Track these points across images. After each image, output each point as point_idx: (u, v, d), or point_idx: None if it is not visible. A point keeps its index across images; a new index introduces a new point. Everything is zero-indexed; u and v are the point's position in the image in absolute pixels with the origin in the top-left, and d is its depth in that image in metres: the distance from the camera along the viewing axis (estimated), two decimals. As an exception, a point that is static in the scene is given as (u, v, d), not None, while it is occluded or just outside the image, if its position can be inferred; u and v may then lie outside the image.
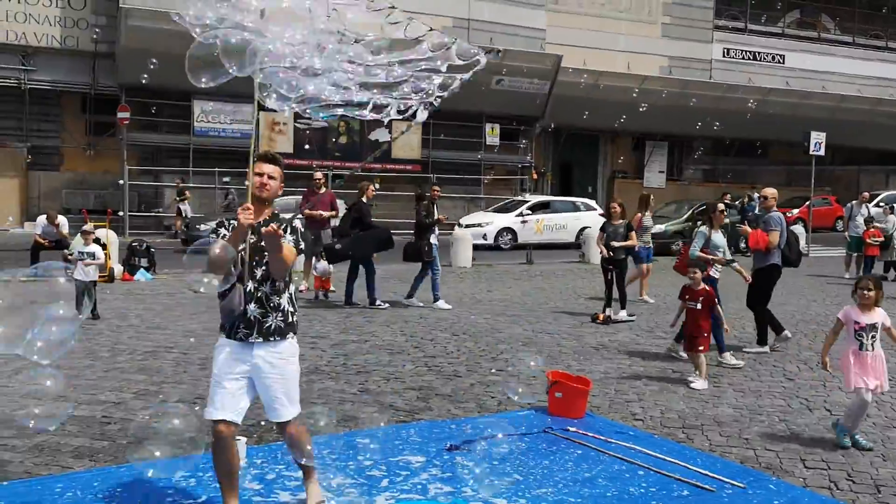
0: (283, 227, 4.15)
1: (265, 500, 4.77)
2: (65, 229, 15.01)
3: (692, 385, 7.67)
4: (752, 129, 32.29)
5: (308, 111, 4.57)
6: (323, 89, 4.41)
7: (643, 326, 11.11)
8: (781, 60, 34.97)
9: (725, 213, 9.47)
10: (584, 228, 24.14)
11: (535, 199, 25.71)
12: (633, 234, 11.86)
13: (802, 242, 21.12)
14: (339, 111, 4.71)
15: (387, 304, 12.25)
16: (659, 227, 19.44)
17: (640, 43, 32.10)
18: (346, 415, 6.60)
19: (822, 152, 23.29)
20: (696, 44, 33.42)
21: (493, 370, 8.29)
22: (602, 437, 6.00)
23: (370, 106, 4.61)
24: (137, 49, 23.27)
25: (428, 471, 5.28)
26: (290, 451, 4.52)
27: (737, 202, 24.53)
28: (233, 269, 4.15)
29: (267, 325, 4.20)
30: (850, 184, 35.34)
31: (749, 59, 34.65)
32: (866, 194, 19.46)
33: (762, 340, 9.48)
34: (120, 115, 24.78)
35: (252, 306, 4.18)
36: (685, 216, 23.99)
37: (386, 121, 4.79)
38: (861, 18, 36.91)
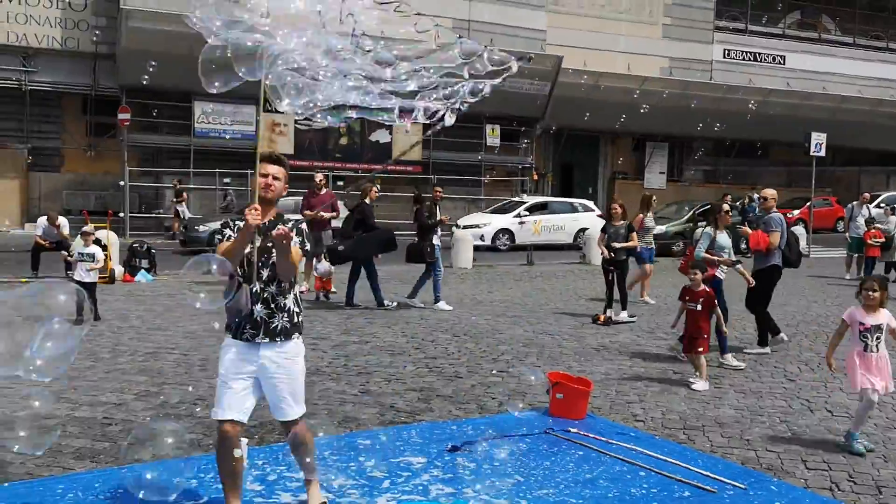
0: (289, 229, 4.17)
1: (266, 501, 4.77)
2: (65, 230, 15.01)
3: (693, 386, 7.67)
4: (752, 129, 32.30)
5: (320, 115, 4.57)
6: (344, 94, 4.41)
7: (644, 327, 11.11)
8: (782, 61, 34.98)
9: (731, 214, 9.46)
10: (582, 229, 24.18)
11: (532, 200, 25.67)
12: (634, 234, 11.86)
13: (803, 243, 21.12)
14: (361, 115, 4.71)
15: (395, 304, 12.26)
16: (660, 229, 19.43)
17: (640, 44, 32.11)
18: (347, 416, 6.60)
19: (822, 153, 23.30)
20: (697, 45, 33.43)
21: (493, 371, 8.29)
22: (603, 439, 6.00)
23: (396, 110, 4.61)
24: (138, 50, 23.31)
25: (429, 472, 5.28)
26: (293, 452, 4.52)
27: (737, 203, 24.53)
28: (237, 269, 4.17)
29: (273, 325, 4.22)
30: (851, 185, 35.35)
31: (749, 59, 34.65)
32: (867, 195, 19.47)
33: (763, 342, 9.49)
34: (120, 116, 24.81)
35: (258, 307, 4.20)
36: (686, 217, 23.99)
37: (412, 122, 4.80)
38: (861, 19, 36.91)
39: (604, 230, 11.99)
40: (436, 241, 12.37)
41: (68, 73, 26.43)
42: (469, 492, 4.97)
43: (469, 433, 6.10)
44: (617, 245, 11.51)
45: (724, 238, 9.10)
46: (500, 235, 23.67)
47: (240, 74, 4.04)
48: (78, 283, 10.61)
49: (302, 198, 13.96)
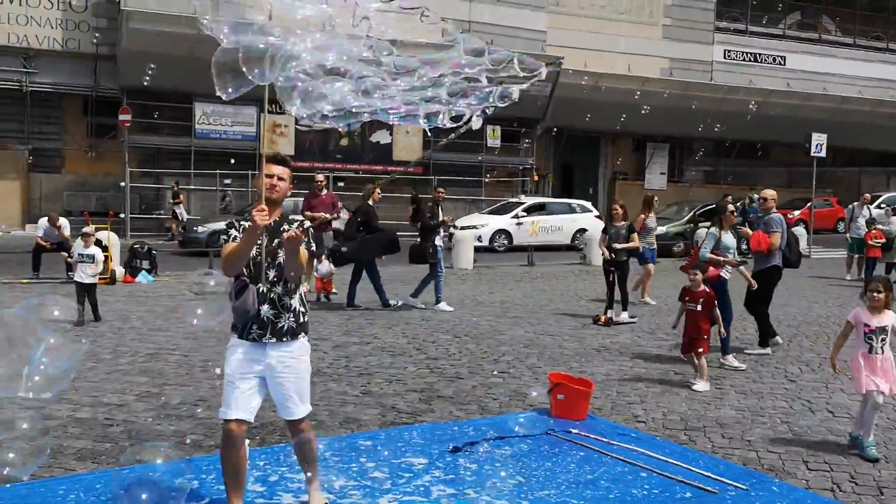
0: (297, 229, 4.22)
1: (268, 502, 4.77)
2: (66, 231, 15.02)
3: (694, 387, 7.67)
4: (753, 130, 32.31)
5: (333, 120, 4.58)
6: (366, 98, 4.43)
7: (645, 328, 11.11)
8: (782, 62, 34.98)
9: (735, 215, 9.44)
10: (579, 230, 24.19)
11: (530, 200, 25.62)
12: (635, 235, 11.86)
13: (804, 244, 21.15)
14: (388, 118, 4.73)
15: (400, 302, 12.27)
16: (661, 229, 19.44)
17: (640, 45, 32.11)
18: (348, 417, 6.61)
19: (823, 154, 23.30)
20: (697, 45, 33.43)
21: (494, 372, 8.29)
22: (604, 439, 6.00)
23: (422, 115, 4.63)
24: (138, 51, 23.35)
25: (431, 473, 5.28)
26: (297, 452, 4.55)
27: (738, 204, 24.51)
28: (244, 270, 4.20)
29: (280, 325, 4.25)
30: (852, 185, 35.35)
31: (750, 60, 34.65)
32: (867, 196, 19.47)
33: (764, 342, 9.49)
34: (121, 117, 24.85)
35: (265, 307, 4.22)
36: (686, 218, 23.99)
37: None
38: (862, 20, 36.91)
39: (604, 231, 11.99)
40: (438, 241, 12.39)
41: (69, 74, 26.46)
42: (470, 493, 4.97)
43: (470, 434, 6.10)
44: (618, 246, 11.52)
45: (729, 238, 9.05)
46: (498, 236, 23.62)
47: (251, 78, 4.03)
48: (78, 284, 10.63)
49: (303, 199, 13.98)
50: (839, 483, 5.36)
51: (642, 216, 13.30)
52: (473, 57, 4.46)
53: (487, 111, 4.76)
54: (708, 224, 21.34)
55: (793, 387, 7.94)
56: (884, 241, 16.98)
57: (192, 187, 26.92)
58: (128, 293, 13.55)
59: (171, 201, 25.04)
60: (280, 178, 4.28)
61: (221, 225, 21.37)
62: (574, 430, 6.21)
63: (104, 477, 5.07)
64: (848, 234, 18.32)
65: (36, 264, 14.92)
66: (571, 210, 25.23)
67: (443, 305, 12.28)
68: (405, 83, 4.48)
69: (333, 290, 13.13)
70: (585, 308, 12.84)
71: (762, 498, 4.99)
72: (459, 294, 13.98)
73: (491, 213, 25.29)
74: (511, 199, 26.47)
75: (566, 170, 34.65)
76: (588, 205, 25.97)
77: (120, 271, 15.05)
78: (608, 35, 31.57)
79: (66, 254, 13.82)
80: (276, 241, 4.23)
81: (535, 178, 31.69)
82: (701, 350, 7.80)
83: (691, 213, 24.06)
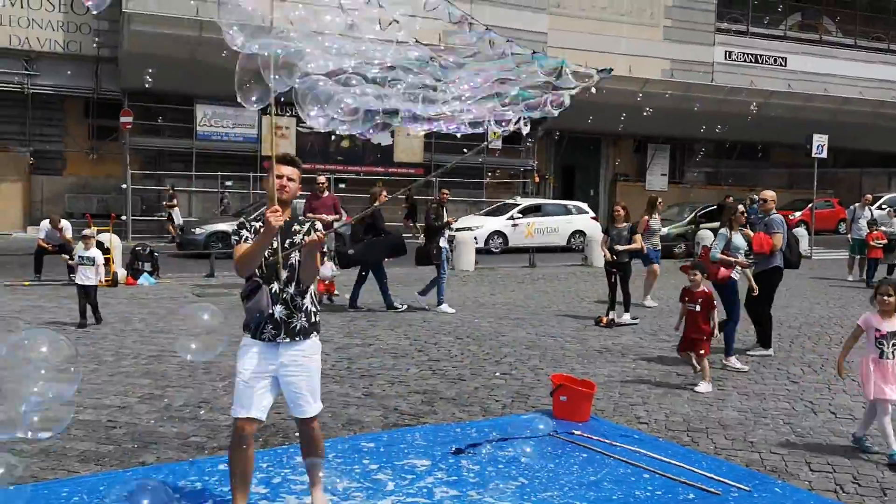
0: (307, 230, 4.31)
1: (271, 504, 4.78)
2: (68, 233, 15.02)
3: (696, 388, 7.67)
4: (753, 131, 32.30)
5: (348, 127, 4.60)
6: (409, 104, 4.45)
7: (647, 329, 11.11)
8: (783, 63, 34.98)
9: (745, 215, 9.40)
10: (575, 231, 24.19)
11: (525, 202, 25.59)
12: (637, 237, 11.86)
13: (805, 245, 21.15)
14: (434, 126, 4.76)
15: (405, 306, 12.28)
16: (662, 230, 19.43)
17: (641, 46, 32.11)
18: (350, 418, 6.61)
19: (824, 155, 23.30)
20: (698, 47, 33.43)
21: (497, 374, 8.29)
22: (607, 441, 6.00)
23: (470, 122, 4.66)
24: (140, 53, 23.37)
25: (433, 474, 5.29)
26: (304, 451, 4.57)
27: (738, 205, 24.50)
28: (256, 270, 4.23)
29: (293, 325, 4.29)
30: (853, 186, 35.34)
31: (751, 61, 34.64)
32: (869, 196, 19.45)
33: (766, 343, 9.48)
34: (123, 119, 24.87)
35: (278, 307, 4.26)
36: (687, 219, 23.98)
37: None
38: (863, 21, 36.90)
39: (606, 232, 12.00)
40: (443, 243, 12.41)
41: (70, 76, 26.47)
42: (473, 494, 4.97)
43: (473, 436, 6.10)
44: (619, 247, 11.52)
45: (739, 239, 8.97)
46: (494, 238, 23.58)
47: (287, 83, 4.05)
48: (79, 286, 10.64)
49: (304, 200, 13.97)
50: (842, 484, 5.36)
51: (646, 217, 13.29)
52: (525, 64, 4.47)
53: (537, 117, 4.78)
54: (709, 226, 21.53)
55: (795, 388, 7.94)
56: (885, 242, 16.98)
57: (194, 189, 26.93)
58: (130, 295, 13.55)
59: (166, 204, 25.03)
60: (290, 179, 4.32)
61: (220, 226, 21.33)
62: (577, 432, 6.21)
63: (107, 479, 5.08)
64: (849, 236, 18.30)
65: (38, 266, 14.92)
66: (567, 211, 25.20)
67: (444, 307, 12.29)
68: (457, 90, 4.50)
69: (335, 292, 13.14)
70: (587, 309, 12.83)
71: (765, 499, 4.99)
72: (461, 296, 13.99)
73: (486, 214, 25.26)
74: (507, 201, 26.42)
75: (567, 171, 34.65)
76: (584, 206, 25.93)
77: (122, 273, 15.06)
78: (609, 36, 31.56)
79: (66, 256, 13.82)
80: (287, 241, 4.27)
81: (536, 179, 31.69)
82: (702, 351, 7.80)
83: (692, 215, 24.05)
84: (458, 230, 21.99)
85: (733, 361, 8.69)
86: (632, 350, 9.66)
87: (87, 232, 11.20)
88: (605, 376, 8.23)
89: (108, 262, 13.81)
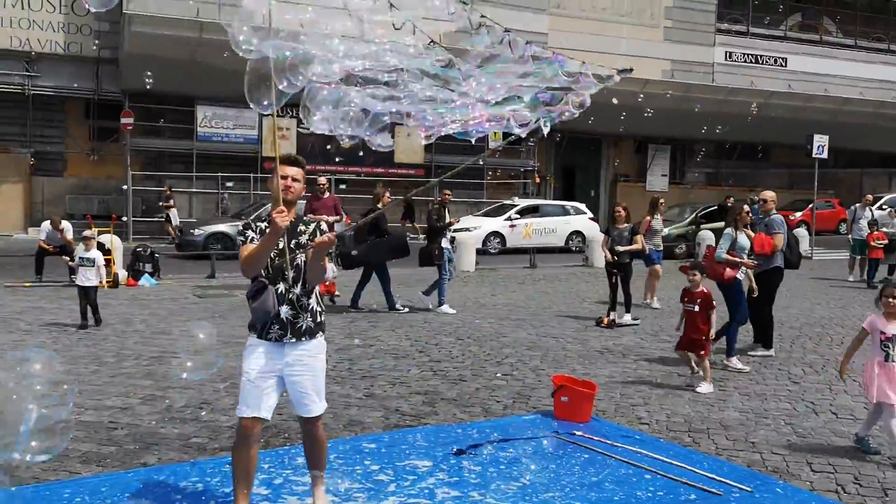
0: (313, 230, 4.34)
1: (273, 505, 4.78)
2: (69, 234, 15.03)
3: (698, 389, 7.67)
4: (754, 132, 32.28)
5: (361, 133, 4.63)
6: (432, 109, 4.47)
7: (648, 330, 11.11)
8: (783, 63, 34.97)
9: (750, 215, 9.38)
10: (574, 232, 24.19)
11: (523, 203, 25.57)
12: (638, 237, 11.86)
13: (806, 245, 21.16)
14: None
15: (407, 308, 12.29)
16: (664, 231, 19.43)
17: (642, 47, 32.09)
18: (352, 419, 6.61)
19: (825, 155, 23.30)
20: (698, 47, 33.43)
21: (498, 374, 8.29)
22: (608, 441, 6.00)
23: (491, 123, 4.68)
24: (141, 55, 23.37)
25: (435, 475, 5.29)
26: (308, 451, 4.58)
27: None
28: (262, 271, 4.25)
29: (299, 325, 4.31)
30: (853, 186, 35.33)
31: (751, 62, 34.64)
32: (869, 197, 19.45)
33: (767, 344, 9.48)
34: (123, 120, 24.88)
35: (284, 308, 4.28)
36: (688, 220, 23.99)
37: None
38: (863, 21, 36.89)
39: (607, 233, 12.00)
40: (445, 244, 12.43)
41: (71, 77, 26.49)
42: (475, 495, 4.97)
43: (474, 436, 6.10)
44: (620, 248, 11.52)
45: (744, 239, 8.92)
46: (491, 238, 23.55)
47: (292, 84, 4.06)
48: (79, 287, 10.64)
49: (305, 201, 13.98)
50: (843, 485, 5.36)
51: (648, 218, 13.29)
52: (546, 66, 4.49)
53: (560, 118, 4.79)
54: (710, 226, 21.53)
55: (796, 388, 7.94)
56: (886, 242, 16.98)
57: (194, 190, 26.94)
58: (131, 296, 13.56)
59: (162, 204, 25.03)
60: (294, 179, 4.33)
61: (219, 227, 21.31)
62: (578, 433, 6.21)
63: (109, 480, 5.08)
64: (850, 236, 18.30)
65: (39, 268, 14.93)
66: (565, 212, 25.19)
67: (445, 308, 12.29)
68: (478, 93, 4.51)
69: (337, 293, 13.14)
70: (588, 310, 12.84)
71: (766, 500, 4.99)
72: (462, 296, 13.99)
73: (484, 215, 25.24)
74: (505, 202, 26.40)
75: (567, 172, 34.65)
76: (582, 207, 25.92)
77: (122, 274, 15.07)
78: (609, 37, 31.55)
79: (67, 258, 13.82)
80: (293, 241, 4.28)
81: (537, 180, 31.68)
82: (703, 352, 7.80)
83: (693, 215, 24.06)
84: (455, 231, 21.97)
85: (734, 362, 8.69)
86: (633, 351, 9.66)
87: (87, 233, 11.20)
88: (607, 377, 8.23)
89: (108, 263, 13.82)
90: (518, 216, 24.23)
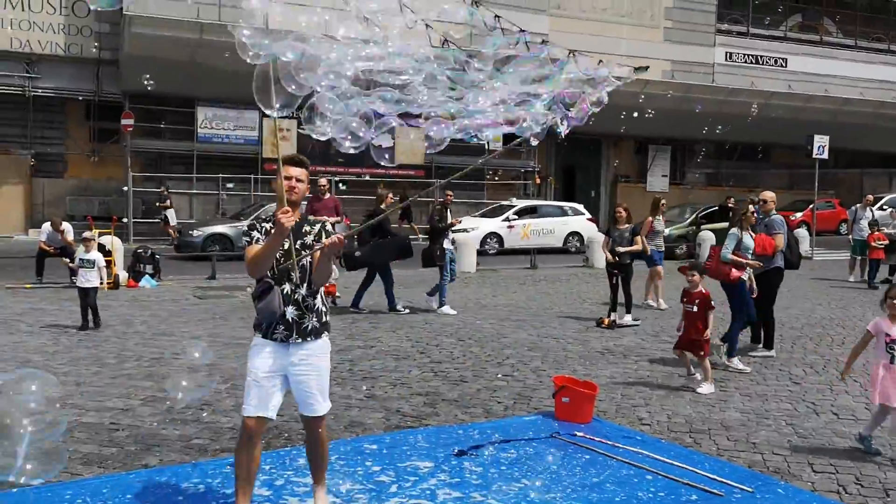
0: (318, 231, 4.35)
1: (274, 507, 4.78)
2: (70, 236, 15.04)
3: (699, 390, 7.67)
4: (754, 132, 32.27)
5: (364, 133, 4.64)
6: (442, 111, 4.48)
7: (648, 331, 11.11)
8: (784, 64, 34.98)
9: (756, 215, 9.36)
10: (571, 233, 24.17)
11: (521, 203, 25.55)
12: (639, 238, 11.86)
13: (806, 246, 21.15)
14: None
15: (407, 310, 12.29)
16: (665, 231, 19.41)
17: (642, 47, 32.08)
18: (353, 420, 6.61)
19: (825, 156, 23.29)
20: (699, 48, 33.42)
21: (499, 375, 8.30)
22: (609, 442, 6.00)
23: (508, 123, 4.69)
24: (141, 56, 23.38)
25: (436, 476, 5.29)
26: (309, 452, 4.59)
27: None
28: (268, 272, 4.25)
29: (304, 325, 4.32)
30: (854, 187, 35.33)
31: (751, 62, 34.63)
32: (870, 197, 19.43)
33: (768, 344, 9.48)
34: (124, 121, 24.89)
35: (290, 308, 4.28)
36: (689, 220, 23.98)
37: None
38: (863, 21, 36.90)
39: (607, 233, 12.00)
40: (447, 244, 12.43)
41: (72, 78, 26.50)
42: (476, 496, 4.97)
43: (475, 437, 6.10)
44: (621, 249, 11.53)
45: (748, 239, 8.89)
46: (489, 239, 23.51)
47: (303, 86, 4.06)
48: (80, 289, 10.64)
49: (306, 202, 13.99)
50: (845, 485, 5.36)
51: (650, 219, 13.28)
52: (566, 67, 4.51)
53: (578, 118, 4.81)
54: (710, 227, 21.52)
55: (797, 389, 7.94)
56: (887, 242, 16.97)
57: (195, 191, 26.94)
58: (131, 297, 13.56)
59: (159, 205, 25.04)
60: (298, 180, 4.34)
61: (218, 228, 21.32)
62: (579, 434, 6.21)
63: (110, 481, 5.08)
64: (851, 236, 18.29)
65: (39, 269, 14.94)
66: (563, 213, 25.17)
67: (446, 309, 12.29)
68: (495, 95, 4.52)
69: (337, 294, 13.13)
70: (589, 311, 12.84)
71: (768, 500, 4.99)
72: (462, 297, 13.99)
73: (482, 215, 25.22)
74: (503, 202, 26.37)
75: (568, 172, 34.66)
76: (580, 207, 25.90)
77: (123, 276, 15.07)
78: (610, 38, 31.54)
79: (67, 259, 13.83)
80: (299, 241, 4.29)
81: (537, 180, 31.67)
82: (703, 353, 7.79)
83: (693, 216, 24.05)
84: (452, 231, 21.94)
85: (735, 362, 8.69)
86: (633, 351, 9.66)
87: (87, 234, 11.22)
88: (608, 378, 8.23)
89: (109, 264, 13.82)
90: (516, 217, 24.21)
